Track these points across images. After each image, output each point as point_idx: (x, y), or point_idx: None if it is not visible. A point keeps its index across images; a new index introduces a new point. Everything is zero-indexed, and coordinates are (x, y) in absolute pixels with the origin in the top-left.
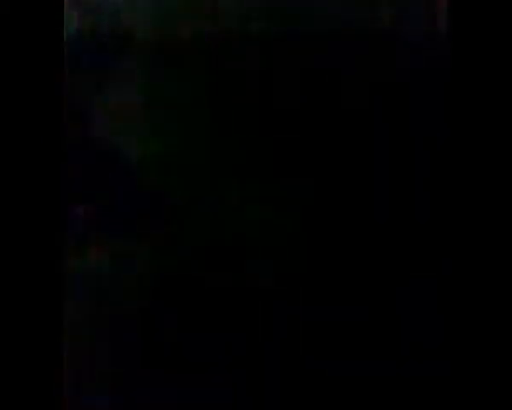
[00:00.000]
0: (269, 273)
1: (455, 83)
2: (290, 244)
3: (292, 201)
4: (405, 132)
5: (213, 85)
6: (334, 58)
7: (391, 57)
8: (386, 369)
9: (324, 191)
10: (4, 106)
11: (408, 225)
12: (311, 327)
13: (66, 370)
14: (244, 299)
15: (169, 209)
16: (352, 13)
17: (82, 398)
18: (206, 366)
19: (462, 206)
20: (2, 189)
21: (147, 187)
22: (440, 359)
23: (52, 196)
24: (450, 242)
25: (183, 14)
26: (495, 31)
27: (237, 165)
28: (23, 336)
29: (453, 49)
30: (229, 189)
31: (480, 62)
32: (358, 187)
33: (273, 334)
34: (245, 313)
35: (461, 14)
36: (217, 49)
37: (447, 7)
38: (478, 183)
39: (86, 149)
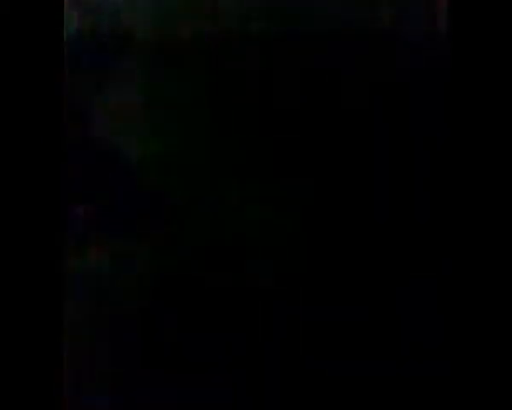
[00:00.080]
0: (269, 273)
1: (455, 83)
2: (290, 244)
3: (292, 201)
4: (405, 132)
5: (213, 85)
6: (334, 58)
7: (391, 57)
8: (386, 369)
9: (324, 191)
10: (4, 106)
11: (408, 225)
12: (311, 327)
13: (66, 370)
14: (244, 299)
15: (169, 209)
16: (351, 13)
17: (82, 398)
18: (206, 366)
19: (462, 206)
20: (3, 189)
21: (147, 187)
22: (440, 359)
23: (52, 196)
24: (450, 242)
25: (183, 14)
26: (495, 31)
27: (237, 165)
28: (23, 336)
29: (453, 49)
30: (229, 189)
31: (480, 62)
32: (358, 187)
33: (273, 334)
34: (245, 313)
35: (461, 14)
36: (217, 49)
37: (447, 7)
38: (478, 183)
39: (86, 149)
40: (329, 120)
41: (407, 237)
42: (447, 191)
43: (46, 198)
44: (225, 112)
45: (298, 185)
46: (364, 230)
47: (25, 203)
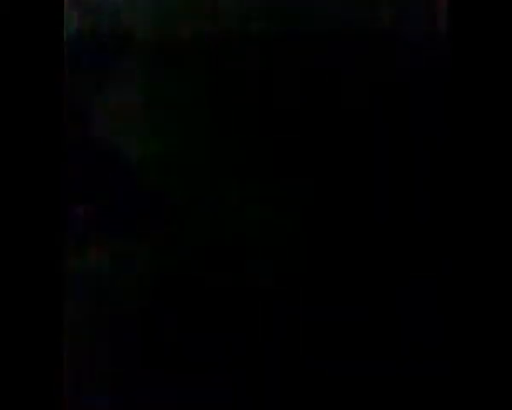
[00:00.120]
0: (269, 273)
1: (455, 83)
2: (290, 244)
3: (292, 201)
4: (405, 132)
5: (213, 85)
6: (334, 58)
7: (391, 57)
8: (387, 369)
9: (324, 191)
10: (4, 106)
11: (408, 225)
12: (311, 327)
13: (66, 370)
14: (244, 299)
15: (169, 209)
16: (352, 13)
17: (82, 398)
18: (206, 366)
19: (462, 206)
20: (3, 189)
21: (147, 187)
22: (440, 359)
23: (52, 196)
24: (450, 242)
25: (183, 14)
26: (495, 31)
27: (237, 165)
28: (23, 336)
29: (453, 49)
30: (229, 189)
31: (480, 62)
32: (358, 187)
33: (273, 334)
34: (245, 313)
35: (461, 14)
36: (217, 49)
37: (447, 7)
38: (478, 183)
39: (86, 149)
40: (329, 120)
41: (407, 237)
42: (447, 191)
43: (46, 198)
44: (225, 112)
45: (298, 185)
46: (364, 230)
47: (25, 203)
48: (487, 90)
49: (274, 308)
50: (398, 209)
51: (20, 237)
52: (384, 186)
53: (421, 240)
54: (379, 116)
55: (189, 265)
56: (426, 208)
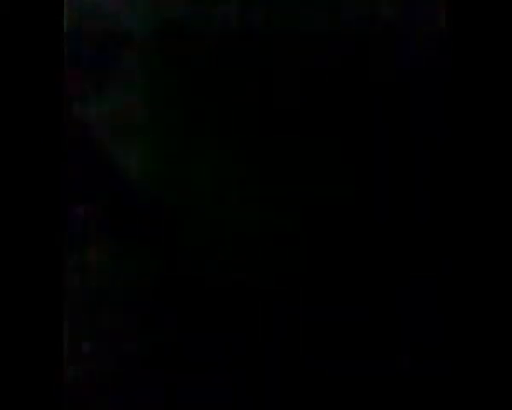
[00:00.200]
0: (269, 273)
1: (455, 83)
2: (290, 244)
3: (292, 201)
4: (405, 132)
5: (213, 85)
6: (334, 58)
7: (391, 57)
8: (386, 369)
9: (324, 191)
10: (4, 106)
11: (408, 225)
12: (311, 327)
13: (66, 370)
14: (244, 299)
15: (169, 209)
16: (352, 13)
17: (82, 398)
18: (206, 366)
19: (462, 206)
20: (3, 189)
21: (147, 187)
22: (440, 359)
23: (52, 196)
24: (450, 242)
25: (182, 14)
26: (495, 30)
27: (237, 165)
28: (23, 336)
29: (453, 49)
30: (229, 189)
31: (481, 62)
32: (358, 187)
33: (273, 334)
34: (245, 313)
35: (461, 13)
36: (217, 49)
37: (447, 7)
38: (478, 183)
39: (86, 149)
40: (329, 120)
41: (407, 237)
42: (447, 191)
43: (46, 198)
44: (225, 112)
45: (298, 185)
46: (364, 230)
47: (25, 203)
48: (487, 90)
49: (274, 308)
50: (398, 209)
51: (21, 237)
52: (384, 186)
53: (421, 240)
54: (379, 116)
55: (189, 265)
56: (426, 208)
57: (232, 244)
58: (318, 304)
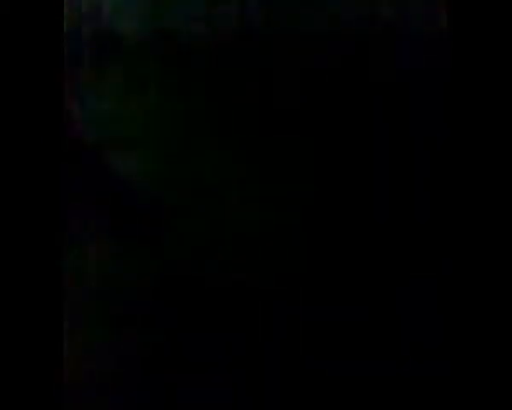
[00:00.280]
0: (269, 273)
1: (455, 83)
2: (290, 244)
3: (292, 201)
4: (405, 132)
5: (213, 85)
6: (334, 58)
7: (391, 57)
8: (387, 369)
9: (324, 191)
10: (4, 106)
11: (408, 225)
12: (311, 327)
13: (66, 370)
14: (244, 299)
15: (169, 209)
16: (352, 13)
17: (82, 398)
18: (206, 367)
19: (462, 206)
20: (2, 189)
21: (147, 187)
22: (440, 359)
23: (52, 196)
24: (450, 242)
25: (182, 14)
26: (495, 30)
27: (237, 165)
28: (23, 336)
29: (453, 49)
30: (229, 189)
31: (481, 62)
32: (358, 187)
33: (273, 334)
34: (245, 313)
35: (461, 13)
36: (217, 49)
37: (447, 7)
38: (478, 183)
39: (86, 149)
40: (329, 120)
41: (407, 237)
42: (447, 191)
43: (46, 198)
44: (225, 111)
45: (298, 185)
46: (364, 230)
47: (25, 203)
48: (487, 90)
49: (274, 308)
50: (398, 209)
51: (21, 237)
52: (384, 186)
53: (421, 240)
54: (379, 116)
55: (189, 265)
56: (426, 208)
57: (232, 244)
58: (318, 304)
